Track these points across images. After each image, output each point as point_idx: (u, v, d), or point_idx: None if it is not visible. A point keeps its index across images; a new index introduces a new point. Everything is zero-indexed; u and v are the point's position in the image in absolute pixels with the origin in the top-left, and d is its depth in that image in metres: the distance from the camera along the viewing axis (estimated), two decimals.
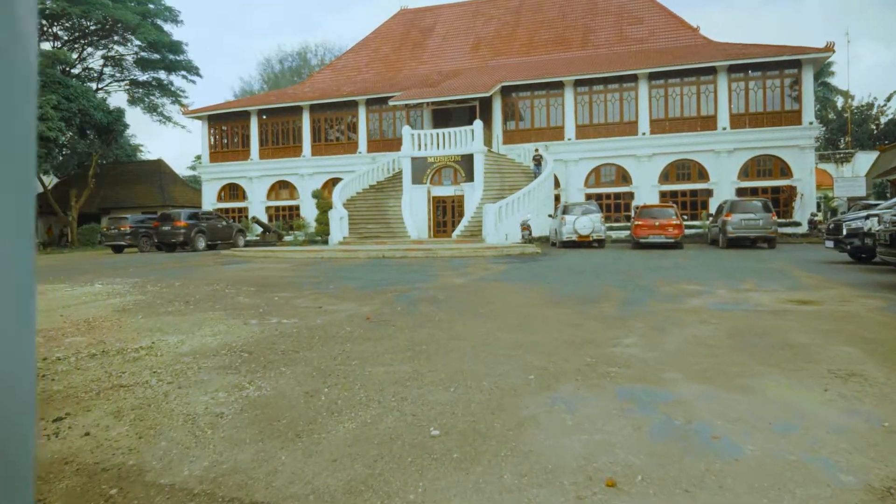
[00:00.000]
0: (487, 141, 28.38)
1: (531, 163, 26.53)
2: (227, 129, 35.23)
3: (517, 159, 28.91)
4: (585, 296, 8.35)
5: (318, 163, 32.87)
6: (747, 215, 18.82)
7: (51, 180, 39.67)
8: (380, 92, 31.31)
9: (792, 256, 15.83)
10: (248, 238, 30.87)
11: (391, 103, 29.29)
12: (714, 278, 10.50)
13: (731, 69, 27.07)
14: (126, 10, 34.07)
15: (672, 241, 19.37)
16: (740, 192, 26.77)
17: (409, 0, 42.51)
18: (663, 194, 27.83)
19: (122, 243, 25.57)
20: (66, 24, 38.35)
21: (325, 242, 26.28)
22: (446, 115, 32.31)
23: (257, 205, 33.70)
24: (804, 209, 25.75)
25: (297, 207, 33.18)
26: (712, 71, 27.34)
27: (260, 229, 30.21)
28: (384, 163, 30.39)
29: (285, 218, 33.24)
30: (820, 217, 25.19)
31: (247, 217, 32.48)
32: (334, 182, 30.60)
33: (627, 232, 26.21)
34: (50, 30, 38.28)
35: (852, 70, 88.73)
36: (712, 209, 26.68)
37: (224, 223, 27.05)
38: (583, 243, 21.09)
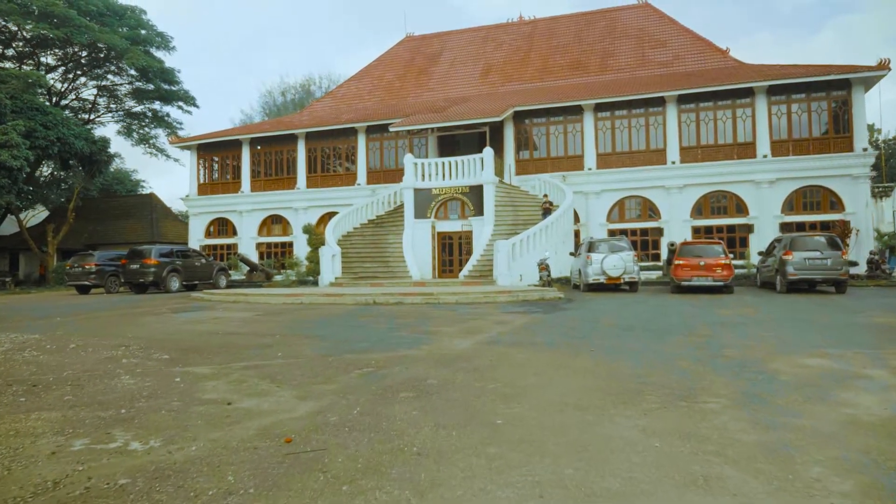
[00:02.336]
0: (499, 171, 25.58)
1: (540, 208, 23.34)
2: (217, 159, 32.70)
3: (532, 191, 26.03)
4: (664, 381, 5.24)
5: (314, 196, 30.13)
6: (811, 254, 15.69)
7: (29, 216, 37.16)
8: (381, 119, 28.72)
9: (884, 304, 12.62)
10: (234, 277, 28.01)
11: (392, 129, 26.63)
12: (828, 342, 7.36)
13: (771, 91, 24.26)
14: (114, 34, 31.94)
15: (721, 283, 16.22)
16: (785, 227, 23.65)
17: (416, 27, 40.34)
18: (696, 230, 24.75)
19: (87, 283, 22.69)
20: (58, 53, 36.43)
21: (317, 283, 23.31)
22: (453, 143, 29.62)
23: (247, 241, 30.88)
24: (860, 247, 22.58)
25: (290, 244, 30.31)
26: (749, 93, 24.54)
27: (247, 268, 27.31)
28: (384, 195, 27.60)
29: (277, 256, 30.36)
30: (878, 256, 22.00)
31: (235, 254, 29.63)
32: (331, 216, 27.78)
33: (658, 272, 23.07)
34: (41, 58, 36.34)
35: (870, 101, 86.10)
36: (754, 246, 23.59)
37: (203, 261, 24.18)
38: (612, 286, 17.98)
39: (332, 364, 6.32)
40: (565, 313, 11.68)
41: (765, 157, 23.98)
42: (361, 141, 29.83)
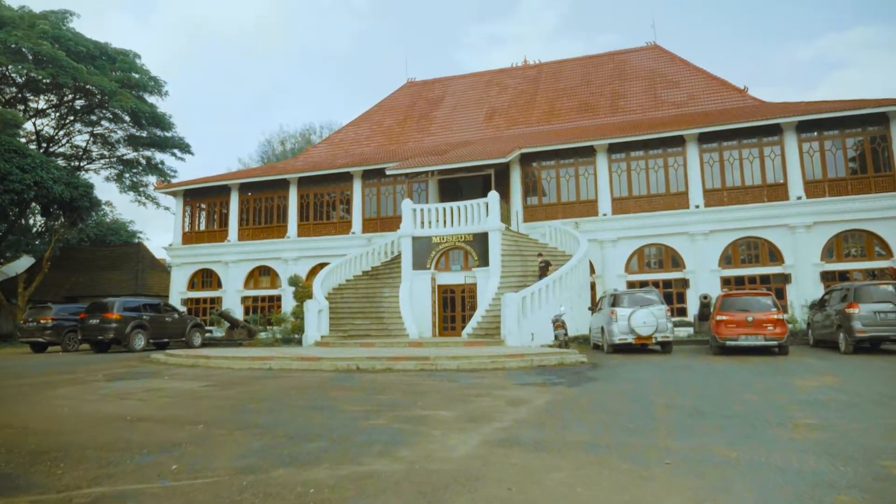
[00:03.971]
0: (505, 217, 23.33)
1: (536, 267, 20.76)
2: (204, 206, 30.60)
3: (542, 239, 23.69)
4: None
5: (305, 245, 27.83)
6: (882, 306, 13.15)
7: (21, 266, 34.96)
8: (378, 163, 26.69)
9: None
10: (215, 334, 25.45)
11: (390, 172, 24.55)
12: None
13: (801, 128, 22.17)
14: (103, 77, 30.38)
15: (775, 343, 13.61)
16: (826, 275, 21.14)
17: (418, 73, 38.90)
18: (726, 280, 22.24)
19: (42, 340, 20.15)
20: (51, 99, 35.02)
21: (301, 342, 20.74)
22: (455, 189, 27.51)
23: (232, 294, 28.42)
24: None
25: (278, 298, 27.82)
26: (776, 130, 22.45)
27: (228, 324, 24.78)
28: (380, 245, 25.29)
29: (263, 311, 27.84)
30: None
31: (215, 309, 27.11)
32: (323, 268, 25.37)
33: (688, 330, 20.43)
34: (31, 104, 34.88)
35: None
36: (792, 298, 21.04)
37: (176, 316, 21.69)
38: (640, 346, 15.38)
39: (243, 497, 3.78)
40: (596, 386, 9.10)
41: (798, 198, 21.68)
42: (357, 187, 27.75)
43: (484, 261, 21.34)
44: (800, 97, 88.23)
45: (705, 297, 17.83)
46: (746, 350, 14.15)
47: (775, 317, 13.76)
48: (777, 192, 22.19)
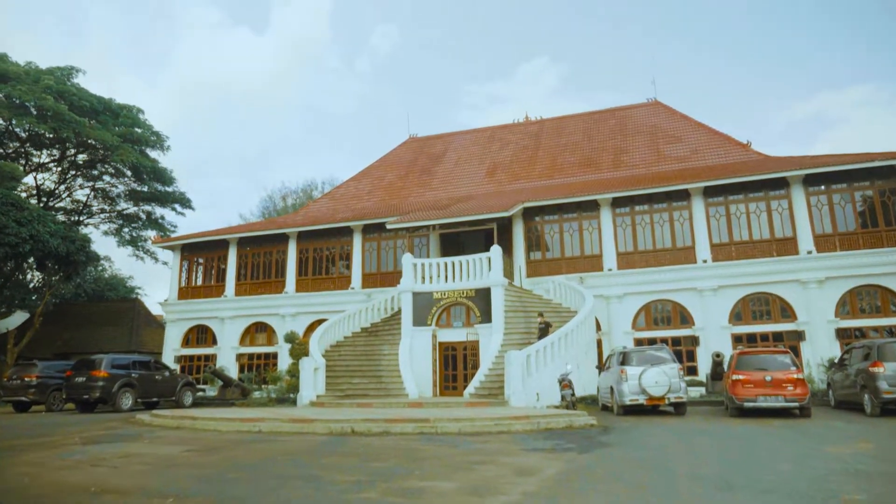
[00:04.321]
0: (508, 272, 22.79)
1: (536, 328, 20.03)
2: (201, 261, 30.14)
3: (546, 295, 23.09)
4: None
5: (303, 301, 27.21)
6: None
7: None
8: (380, 217, 26.36)
9: None
10: (208, 393, 24.55)
11: (390, 226, 24.19)
12: None
13: (808, 181, 21.86)
14: (105, 131, 30.48)
15: (796, 404, 12.81)
16: (841, 333, 20.39)
17: (420, 129, 39.13)
18: (737, 338, 21.47)
19: (26, 399, 19.29)
20: (53, 154, 35.17)
21: (296, 402, 19.86)
22: (457, 244, 27.09)
23: (227, 352, 27.60)
24: None
25: (275, 356, 26.99)
26: (783, 184, 22.15)
27: (221, 382, 23.90)
28: (380, 300, 24.66)
29: (259, 368, 26.97)
30: None
31: (207, 367, 26.25)
32: (321, 324, 24.68)
33: (700, 389, 19.54)
34: (34, 158, 34.96)
35: None
36: (807, 356, 20.21)
37: (167, 374, 20.90)
38: (652, 408, 14.55)
39: None
40: (610, 452, 8.34)
41: (809, 253, 21.14)
42: (357, 241, 27.35)
43: (486, 317, 20.68)
44: (800, 153, 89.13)
45: (718, 356, 17.06)
46: (766, 412, 13.32)
47: (795, 376, 13.01)
48: (786, 246, 21.69)
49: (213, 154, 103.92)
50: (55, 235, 28.62)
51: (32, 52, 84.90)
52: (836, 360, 15.89)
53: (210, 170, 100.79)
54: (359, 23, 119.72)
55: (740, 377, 13.29)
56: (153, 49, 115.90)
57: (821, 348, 20.17)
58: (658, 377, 13.86)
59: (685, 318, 22.36)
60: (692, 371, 21.35)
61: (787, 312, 21.26)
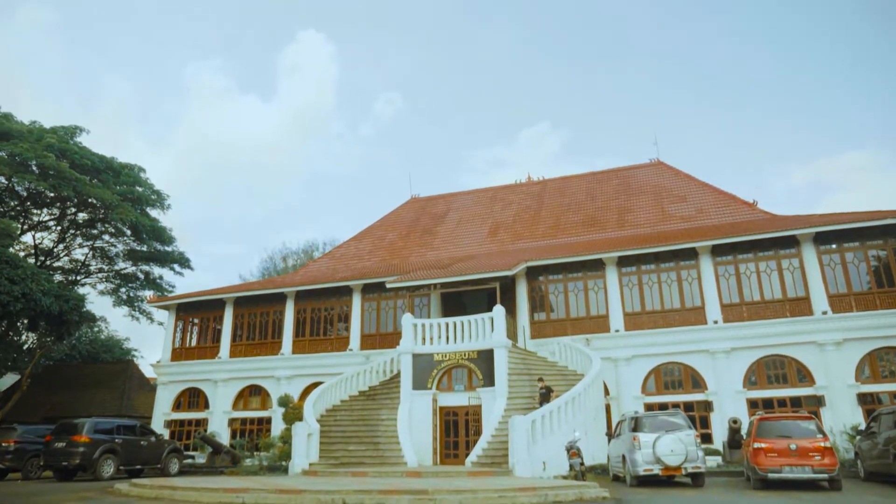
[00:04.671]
0: (511, 333, 22.02)
1: (537, 394, 19.13)
2: (196, 321, 29.40)
3: (550, 357, 22.24)
4: None
5: (300, 363, 26.30)
6: None
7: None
8: (380, 276, 25.77)
9: None
10: (195, 461, 23.36)
11: (390, 286, 23.54)
12: None
13: (819, 239, 21.32)
14: (105, 190, 30.34)
15: (825, 475, 11.79)
16: (864, 398, 19.36)
17: (422, 190, 39.03)
18: (753, 403, 20.42)
19: (1, 466, 18.20)
20: (53, 212, 35.01)
21: (287, 470, 18.72)
22: (458, 304, 26.42)
23: (219, 416, 26.48)
24: None
25: (268, 420, 25.85)
26: (793, 242, 21.61)
27: (210, 449, 22.75)
28: (379, 363, 23.76)
29: (252, 434, 25.80)
30: None
31: (197, 433, 25.11)
32: (317, 387, 23.75)
33: (716, 458, 18.40)
34: (35, 217, 34.76)
35: None
36: (827, 422, 19.11)
37: (153, 440, 19.85)
38: (668, 478, 13.49)
39: None
40: None
41: (824, 313, 20.37)
42: (357, 302, 26.68)
43: (489, 380, 19.78)
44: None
45: (735, 422, 16.09)
46: (792, 484, 12.30)
47: (822, 444, 12.07)
48: (800, 306, 20.95)
49: (215, 217, 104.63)
50: (48, 294, 27.99)
51: (41, 114, 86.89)
52: (861, 428, 14.86)
53: (212, 232, 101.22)
54: (364, 90, 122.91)
55: (762, 445, 12.33)
56: (162, 114, 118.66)
57: (842, 414, 19.11)
58: (674, 445, 12.90)
59: (697, 382, 21.39)
60: (707, 438, 20.20)
61: (804, 376, 20.31)
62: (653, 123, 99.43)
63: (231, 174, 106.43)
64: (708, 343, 21.37)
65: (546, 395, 18.07)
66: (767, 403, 20.35)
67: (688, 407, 21.04)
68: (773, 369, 20.80)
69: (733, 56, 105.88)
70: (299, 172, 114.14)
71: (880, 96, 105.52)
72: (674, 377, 21.84)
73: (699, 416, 20.89)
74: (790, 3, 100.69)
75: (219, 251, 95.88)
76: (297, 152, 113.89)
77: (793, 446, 12.07)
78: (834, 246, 21.28)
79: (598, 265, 23.74)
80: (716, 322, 21.52)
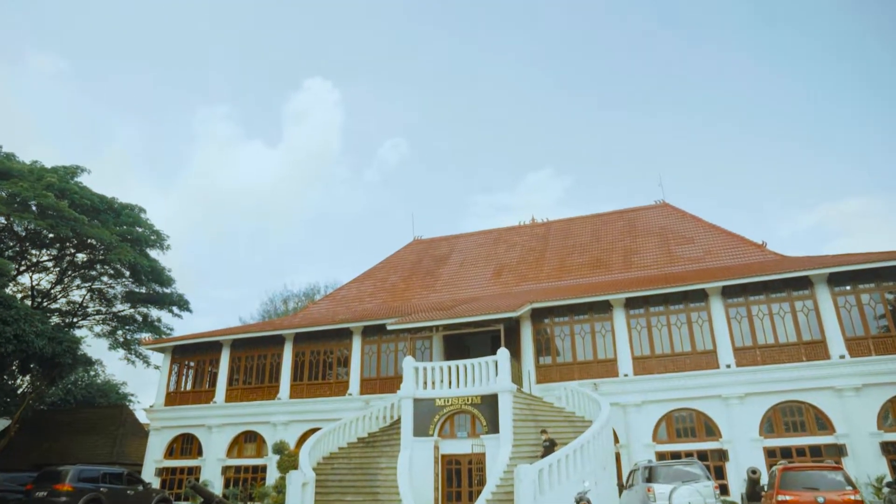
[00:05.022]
0: (516, 378, 21.24)
1: (541, 443, 18.28)
2: (192, 364, 28.61)
3: (557, 403, 21.39)
4: None
5: (297, 408, 25.41)
6: None
7: None
8: (380, 318, 25.12)
9: None
10: None
11: (391, 327, 22.90)
12: None
13: (833, 280, 20.70)
14: (104, 230, 30.02)
15: None
16: (888, 447, 18.37)
17: (425, 232, 38.65)
18: (770, 452, 19.44)
19: None
20: (52, 253, 34.67)
21: None
22: (461, 348, 25.72)
23: (213, 464, 25.45)
24: None
25: (264, 468, 24.80)
26: (806, 283, 20.98)
27: (201, 499, 21.68)
28: (379, 408, 22.89)
29: (247, 482, 24.73)
30: None
31: (187, 482, 24.07)
32: (314, 433, 22.86)
33: None
34: (33, 258, 34.38)
35: None
36: (851, 472, 18.05)
37: (140, 488, 18.93)
38: None
39: None
40: None
41: (841, 357, 19.59)
42: (357, 344, 25.97)
43: (493, 427, 18.93)
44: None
45: (754, 472, 15.13)
46: None
47: (852, 497, 11.22)
48: (816, 350, 20.18)
49: (218, 261, 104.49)
50: (41, 336, 27.39)
51: (48, 158, 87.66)
52: (889, 480, 13.97)
53: (214, 276, 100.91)
54: (369, 135, 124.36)
55: (787, 498, 11.49)
56: (168, 159, 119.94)
57: (866, 465, 18.14)
58: (691, 497, 12.06)
59: (711, 430, 20.47)
60: (723, 490, 19.21)
61: (823, 423, 19.39)
62: (656, 166, 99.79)
63: (235, 218, 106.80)
64: (721, 388, 20.53)
65: (549, 448, 17.24)
66: (786, 452, 19.37)
67: (701, 455, 20.07)
68: (791, 416, 19.89)
69: (735, 103, 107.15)
70: (303, 216, 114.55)
71: (883, 143, 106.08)
72: (686, 424, 20.92)
73: (714, 466, 19.88)
74: (793, 53, 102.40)
75: (220, 295, 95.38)
76: (301, 197, 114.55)
77: (820, 499, 11.22)
78: (848, 287, 20.64)
79: (605, 307, 23.10)
80: (728, 366, 20.72)
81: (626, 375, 21.81)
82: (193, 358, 28.57)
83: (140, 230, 33.28)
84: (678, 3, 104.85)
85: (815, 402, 19.56)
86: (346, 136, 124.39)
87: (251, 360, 27.41)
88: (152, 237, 33.84)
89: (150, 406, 27.88)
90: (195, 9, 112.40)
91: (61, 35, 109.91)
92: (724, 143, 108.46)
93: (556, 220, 34.50)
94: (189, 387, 28.22)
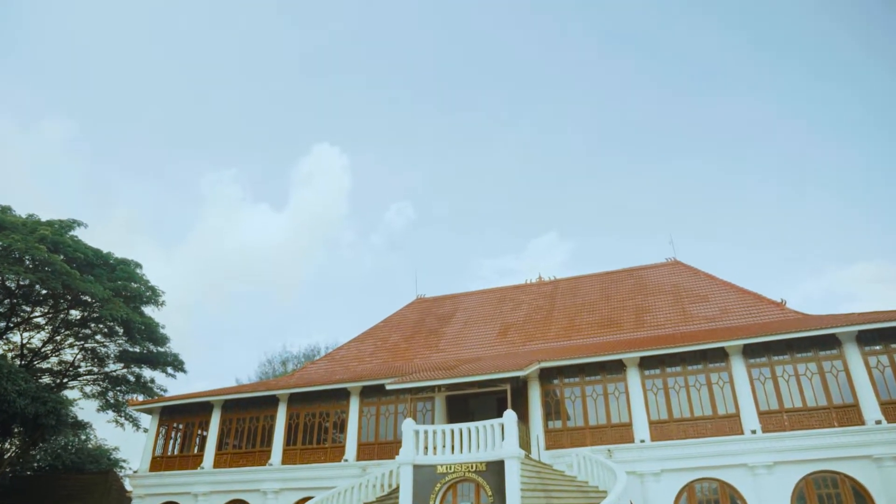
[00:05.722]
0: (524, 443, 19.74)
1: None
2: (181, 426, 27.06)
3: (569, 471, 19.73)
4: None
5: (290, 474, 23.72)
6: None
7: None
8: (379, 378, 23.78)
9: None
10: None
11: (390, 387, 21.55)
12: None
13: (862, 339, 19.39)
14: (96, 284, 29.09)
15: None
16: None
17: (427, 290, 37.59)
18: None
19: None
20: (45, 310, 33.66)
21: None
22: (465, 411, 24.22)
23: None
24: None
25: None
26: (834, 343, 19.67)
27: None
28: (376, 475, 21.24)
29: None
30: None
31: None
32: (307, 503, 21.22)
33: None
34: (24, 314, 33.35)
35: None
36: None
37: None
38: None
39: None
40: None
41: (878, 423, 18.07)
42: (354, 406, 24.51)
43: (500, 497, 17.33)
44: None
45: None
46: None
47: None
48: (848, 414, 18.67)
49: (218, 322, 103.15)
50: (24, 395, 26.07)
51: (54, 217, 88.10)
52: None
53: (214, 338, 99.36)
54: (375, 200, 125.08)
55: None
56: (174, 220, 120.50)
57: None
58: None
59: (736, 502, 18.72)
60: None
61: (862, 497, 17.70)
62: (665, 224, 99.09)
63: (239, 280, 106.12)
64: (746, 456, 18.93)
65: None
66: None
67: None
68: (825, 488, 18.19)
69: (741, 163, 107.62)
70: (307, 279, 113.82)
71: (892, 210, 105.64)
72: (710, 496, 19.17)
73: None
74: (802, 117, 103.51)
75: (218, 357, 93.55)
76: (306, 259, 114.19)
77: None
78: (879, 347, 19.32)
79: (617, 367, 21.75)
80: (753, 432, 19.17)
81: (642, 441, 20.24)
82: (182, 420, 27.06)
83: (135, 286, 32.36)
84: (668, 58, 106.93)
85: (852, 473, 17.92)
86: (353, 200, 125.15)
87: (242, 422, 25.89)
88: (147, 293, 32.89)
89: (134, 472, 26.26)
90: (207, 75, 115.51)
91: (73, 100, 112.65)
92: (732, 204, 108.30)
93: (563, 278, 33.45)
94: (176, 451, 26.58)
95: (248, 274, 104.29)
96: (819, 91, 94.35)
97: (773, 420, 19.32)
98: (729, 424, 19.72)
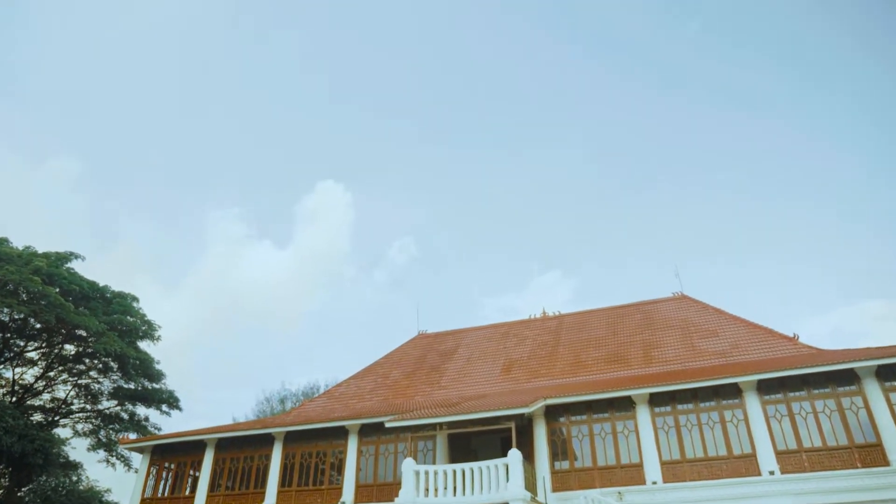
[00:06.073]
0: (530, 485, 18.76)
1: None
2: (172, 466, 26.01)
3: None
4: None
5: None
6: None
7: None
8: (379, 415, 22.88)
9: None
10: None
11: (389, 425, 20.63)
12: None
13: (882, 375, 18.56)
14: (90, 318, 28.45)
15: None
16: None
17: (429, 326, 36.78)
18: None
19: None
20: (38, 345, 32.95)
21: None
22: (468, 450, 23.23)
23: None
24: None
25: None
26: (852, 378, 18.84)
27: None
28: None
29: None
30: None
31: None
32: None
33: None
34: (19, 349, 32.61)
35: None
36: None
37: None
38: None
39: None
40: None
41: None
42: (352, 445, 23.53)
43: None
44: None
45: None
46: None
47: None
48: (871, 455, 17.72)
49: (217, 359, 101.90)
50: (11, 433, 25.19)
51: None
52: None
53: (214, 376, 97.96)
54: (379, 236, 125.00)
55: None
56: (178, 257, 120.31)
57: None
58: None
59: None
60: None
61: None
62: (671, 257, 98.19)
63: (240, 317, 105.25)
64: (765, 499, 17.91)
65: None
66: None
67: None
68: None
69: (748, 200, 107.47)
70: (309, 315, 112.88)
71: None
72: None
73: None
74: (809, 152, 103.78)
75: (216, 395, 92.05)
76: (308, 296, 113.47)
77: None
78: None
79: (626, 404, 20.87)
80: (772, 473, 18.20)
81: (654, 483, 19.23)
82: (174, 459, 26.03)
83: (131, 319, 31.69)
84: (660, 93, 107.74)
85: None
86: (356, 237, 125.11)
87: (236, 462, 24.88)
88: (143, 327, 32.19)
89: None
90: (213, 114, 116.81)
91: (79, 139, 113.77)
92: (738, 242, 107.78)
93: (568, 313, 32.73)
94: (167, 493, 25.50)
95: (249, 311, 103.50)
96: (823, 102, 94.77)
97: (793, 461, 18.36)
98: (745, 465, 18.75)
